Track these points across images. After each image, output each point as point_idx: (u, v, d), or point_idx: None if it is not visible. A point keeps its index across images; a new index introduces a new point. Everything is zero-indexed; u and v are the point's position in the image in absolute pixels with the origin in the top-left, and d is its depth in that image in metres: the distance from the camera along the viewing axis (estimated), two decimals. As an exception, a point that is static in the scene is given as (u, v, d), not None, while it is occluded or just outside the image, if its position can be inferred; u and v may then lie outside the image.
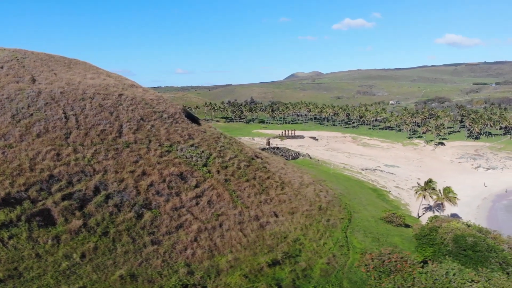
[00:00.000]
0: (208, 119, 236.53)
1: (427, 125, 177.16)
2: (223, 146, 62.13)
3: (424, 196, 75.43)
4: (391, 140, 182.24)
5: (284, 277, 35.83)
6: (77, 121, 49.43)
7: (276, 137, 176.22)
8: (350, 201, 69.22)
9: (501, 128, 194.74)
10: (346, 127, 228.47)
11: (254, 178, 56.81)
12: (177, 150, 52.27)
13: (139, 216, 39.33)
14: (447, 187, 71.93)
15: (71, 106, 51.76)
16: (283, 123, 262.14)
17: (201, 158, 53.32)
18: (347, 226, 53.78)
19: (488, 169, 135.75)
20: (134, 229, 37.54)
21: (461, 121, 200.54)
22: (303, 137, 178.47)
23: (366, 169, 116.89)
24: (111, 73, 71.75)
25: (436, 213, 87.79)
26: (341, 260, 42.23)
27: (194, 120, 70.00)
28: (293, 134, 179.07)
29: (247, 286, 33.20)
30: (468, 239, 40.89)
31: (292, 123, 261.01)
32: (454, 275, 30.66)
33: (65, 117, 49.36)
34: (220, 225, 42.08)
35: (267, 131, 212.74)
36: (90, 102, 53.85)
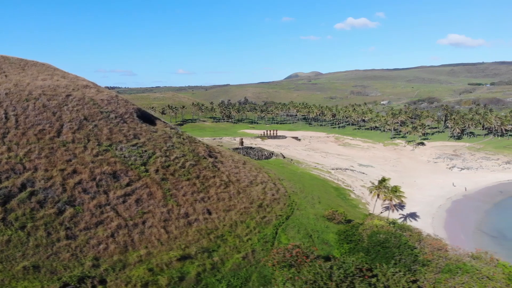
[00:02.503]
0: (195, 119, 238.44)
1: (406, 125, 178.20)
2: (172, 146, 63.73)
3: (378, 195, 76.72)
4: (373, 140, 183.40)
5: (190, 270, 37.35)
6: (16, 121, 51.09)
7: (258, 137, 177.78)
8: (300, 199, 70.63)
9: (484, 129, 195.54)
10: (333, 127, 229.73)
11: (197, 177, 58.38)
12: (116, 149, 53.85)
13: (61, 212, 40.88)
14: (394, 186, 73.26)
15: (13, 106, 53.45)
16: (272, 123, 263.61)
17: (141, 157, 54.89)
18: (283, 223, 55.25)
19: (462, 169, 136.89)
20: (52, 224, 39.08)
21: (445, 121, 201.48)
22: (285, 137, 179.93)
23: (336, 169, 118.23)
24: (69, 74, 73.46)
25: (395, 212, 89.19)
26: (260, 255, 43.69)
27: (149, 120, 71.62)
28: (275, 134, 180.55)
29: (148, 279, 34.76)
30: (380, 235, 42.33)
31: (281, 123, 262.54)
32: (338, 269, 32.08)
33: (6, 117, 51.04)
34: (143, 222, 43.61)
35: (253, 131, 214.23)
36: (34, 103, 55.52)
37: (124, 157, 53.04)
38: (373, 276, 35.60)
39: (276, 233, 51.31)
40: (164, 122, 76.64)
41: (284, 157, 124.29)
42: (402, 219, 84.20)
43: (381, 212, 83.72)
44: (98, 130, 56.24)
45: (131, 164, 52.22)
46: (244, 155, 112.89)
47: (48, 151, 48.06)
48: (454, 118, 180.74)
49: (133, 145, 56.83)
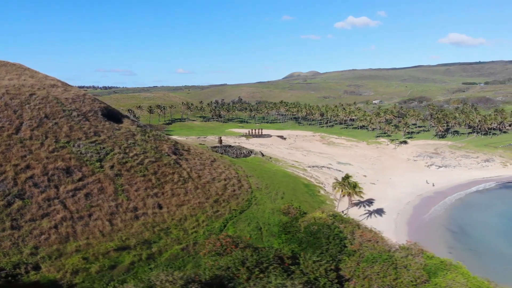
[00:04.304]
0: (184, 119, 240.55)
1: (389, 124, 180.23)
2: (134, 143, 65.88)
3: (342, 190, 78.77)
4: (357, 139, 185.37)
5: (125, 260, 39.50)
6: (-24, 119, 53.26)
7: (243, 136, 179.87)
8: (262, 194, 72.78)
9: (469, 127, 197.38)
10: (321, 127, 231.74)
11: (155, 173, 60.53)
12: (73, 146, 56.01)
13: (9, 204, 42.99)
14: (353, 181, 75.42)
15: (-26, 105, 55.62)
16: (263, 122, 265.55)
17: (98, 154, 57.03)
18: (235, 216, 57.44)
19: (440, 167, 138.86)
20: (-2, 216, 41.23)
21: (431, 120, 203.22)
22: (270, 136, 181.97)
23: (313, 166, 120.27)
24: (38, 73, 75.57)
25: (362, 208, 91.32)
26: (202, 247, 45.77)
27: (115, 118, 73.74)
28: (260, 133, 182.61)
29: (81, 266, 36.92)
30: (312, 227, 44.47)
31: (271, 123, 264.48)
32: (251, 255, 34.24)
33: (-35, 115, 53.23)
34: (90, 215, 45.73)
35: (241, 130, 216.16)
36: (-4, 102, 57.66)
37: (80, 153, 55.17)
38: (296, 263, 37.84)
39: (225, 226, 53.50)
40: (132, 121, 78.77)
41: (263, 155, 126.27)
42: (367, 214, 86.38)
43: (347, 208, 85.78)
44: (58, 128, 58.39)
45: (87, 160, 54.35)
46: (222, 153, 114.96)
47: (5, 148, 50.19)
48: (438, 117, 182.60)
49: (92, 142, 58.95)
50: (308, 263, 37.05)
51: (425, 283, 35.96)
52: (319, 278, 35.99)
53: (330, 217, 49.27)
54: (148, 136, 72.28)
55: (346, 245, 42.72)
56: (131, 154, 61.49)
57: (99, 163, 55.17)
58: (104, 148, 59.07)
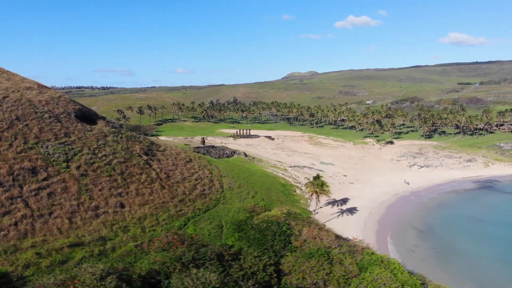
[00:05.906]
0: (175, 119, 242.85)
1: (374, 124, 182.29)
2: (104, 144, 68.07)
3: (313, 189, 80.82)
4: (344, 139, 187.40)
5: (76, 255, 41.69)
6: None
7: (230, 136, 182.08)
8: (232, 194, 74.98)
9: (457, 128, 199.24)
10: (311, 127, 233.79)
11: (122, 174, 62.70)
12: (41, 147, 58.24)
13: (-29, 203, 45.28)
14: (321, 180, 77.46)
15: None
16: (255, 123, 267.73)
17: (66, 154, 59.25)
18: (198, 215, 59.66)
19: (422, 167, 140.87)
20: (-41, 215, 43.49)
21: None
22: (258, 136, 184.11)
23: (295, 166, 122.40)
24: (16, 76, 77.76)
25: (335, 207, 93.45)
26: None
27: (90, 120, 75.95)
28: (247, 134, 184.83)
29: (33, 261, 39.13)
30: (261, 224, 46.68)
31: (263, 123, 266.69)
32: (188, 252, 36.49)
33: None
34: (50, 213, 47.94)
35: (232, 130, 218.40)
36: (-32, 104, 59.93)
37: (48, 154, 57.38)
38: (238, 259, 40.03)
39: (186, 224, 55.68)
40: (107, 122, 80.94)
41: (246, 156, 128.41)
42: (339, 213, 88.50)
43: (320, 207, 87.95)
44: (28, 129, 60.61)
45: (53, 161, 56.57)
46: (204, 154, 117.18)
47: (-28, 149, 52.41)
48: (425, 117, 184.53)
49: (61, 143, 61.17)
50: (248, 259, 39.18)
51: (355, 277, 38.12)
52: (257, 273, 38.17)
53: (284, 215, 51.38)
54: (121, 137, 74.44)
55: (292, 241, 44.82)
56: (99, 155, 63.66)
57: (66, 163, 57.37)
58: (72, 149, 61.29)
